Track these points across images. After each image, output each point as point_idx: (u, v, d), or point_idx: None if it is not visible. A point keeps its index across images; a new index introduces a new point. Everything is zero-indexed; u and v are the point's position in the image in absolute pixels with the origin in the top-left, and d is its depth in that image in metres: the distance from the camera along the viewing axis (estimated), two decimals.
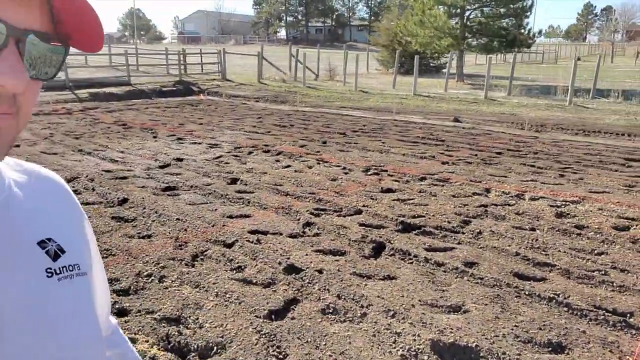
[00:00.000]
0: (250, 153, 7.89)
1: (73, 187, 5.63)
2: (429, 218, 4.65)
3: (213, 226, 4.45)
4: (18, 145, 8.02)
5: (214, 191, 5.61)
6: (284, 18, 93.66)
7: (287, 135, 9.60)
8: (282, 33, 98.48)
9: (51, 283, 0.61)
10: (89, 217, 4.59)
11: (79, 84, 17.35)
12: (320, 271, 3.47)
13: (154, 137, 9.25)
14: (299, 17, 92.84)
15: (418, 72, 18.45)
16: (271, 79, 22.59)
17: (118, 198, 5.18)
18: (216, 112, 13.24)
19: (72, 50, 0.59)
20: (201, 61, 23.22)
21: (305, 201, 5.29)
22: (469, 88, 21.22)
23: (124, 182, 5.91)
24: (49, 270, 0.61)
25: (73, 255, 0.66)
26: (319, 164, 7.27)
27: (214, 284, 3.25)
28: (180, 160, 7.29)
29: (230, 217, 4.75)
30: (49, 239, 0.64)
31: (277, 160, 7.42)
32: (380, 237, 4.13)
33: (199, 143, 8.68)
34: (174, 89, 17.98)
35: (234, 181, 6.14)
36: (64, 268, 0.63)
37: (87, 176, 6.14)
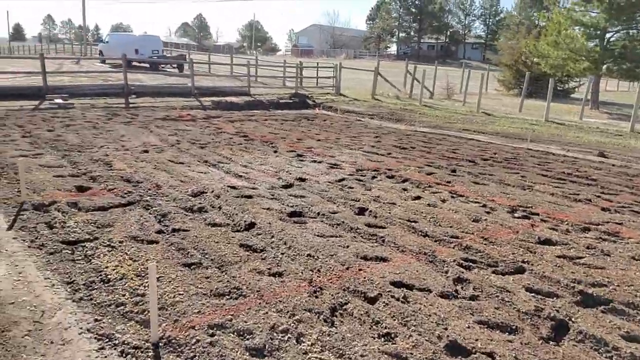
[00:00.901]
0: (373, 177, 7.34)
1: (200, 203, 5.44)
2: (614, 289, 3.72)
3: (347, 269, 3.92)
4: (147, 152, 8.20)
5: (342, 222, 5.11)
6: (396, 34, 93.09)
7: (409, 159, 8.93)
8: (393, 48, 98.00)
9: None
10: (216, 242, 4.32)
11: (203, 92, 18.09)
12: (491, 355, 2.77)
13: (275, 151, 9.06)
14: (412, 33, 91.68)
15: (546, 95, 16.81)
16: (385, 95, 22.04)
17: (245, 221, 4.86)
18: (332, 127, 12.93)
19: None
20: (317, 75, 23.30)
21: (449, 247, 4.59)
22: (607, 117, 19.02)
23: (249, 202, 5.62)
24: None
25: None
26: (453, 197, 6.51)
27: (362, 356, 2.68)
28: (303, 180, 6.92)
29: (365, 258, 4.19)
30: None
31: (405, 189, 6.77)
32: (558, 311, 3.32)
33: (319, 162, 8.30)
34: (290, 101, 18.10)
35: (361, 211, 5.59)
36: None
37: (213, 192, 5.96)
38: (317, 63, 25.66)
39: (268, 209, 5.44)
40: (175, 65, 29.28)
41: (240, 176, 6.95)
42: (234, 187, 6.25)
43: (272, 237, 4.52)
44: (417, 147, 10.31)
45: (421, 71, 21.42)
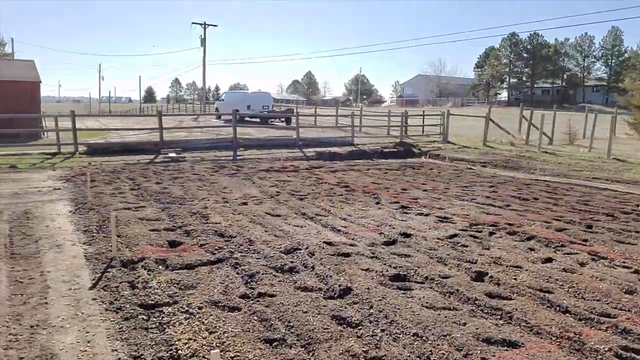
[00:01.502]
0: (491, 234, 6.33)
1: (292, 262, 4.90)
2: None
3: (466, 356, 3.06)
4: (246, 204, 7.97)
5: (456, 290, 4.23)
6: (507, 79, 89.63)
7: (532, 211, 7.74)
8: (503, 95, 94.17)
9: None
10: (305, 311, 3.65)
11: (307, 143, 18.17)
12: None
13: (377, 203, 8.40)
14: (523, 78, 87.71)
15: None
16: (497, 142, 20.56)
17: (340, 286, 4.19)
18: (440, 177, 12.00)
19: None
20: (423, 123, 22.55)
21: (599, 329, 3.52)
22: None
23: (346, 262, 4.96)
24: None
25: None
26: (594, 260, 5.31)
27: None
28: (408, 236, 6.14)
29: (489, 341, 3.29)
30: None
31: (531, 249, 5.69)
32: None
33: (426, 215, 7.46)
34: (395, 150, 17.48)
35: (479, 276, 4.67)
36: None
37: (307, 248, 5.41)
38: (423, 111, 24.95)
39: (367, 270, 4.74)
40: (283, 119, 30.35)
41: (339, 230, 6.36)
42: (330, 243, 5.65)
43: (371, 307, 3.79)
44: (541, 198, 9.03)
45: (538, 116, 19.75)
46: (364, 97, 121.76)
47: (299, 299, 3.92)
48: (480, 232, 6.40)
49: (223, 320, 3.49)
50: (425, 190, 9.78)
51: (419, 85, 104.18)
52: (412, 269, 4.76)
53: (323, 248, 5.43)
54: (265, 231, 6.15)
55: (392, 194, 9.21)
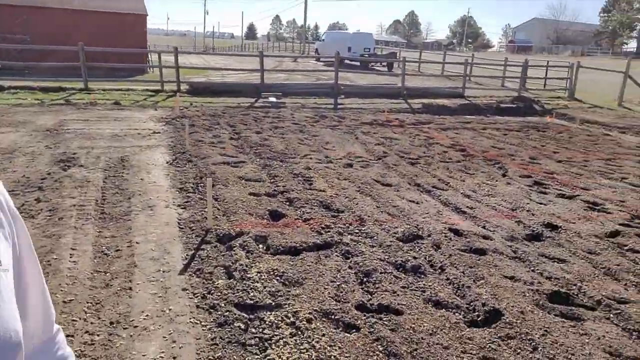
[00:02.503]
0: None
1: (414, 257, 3.99)
2: None
3: None
4: (351, 165, 7.11)
5: None
6: (638, 28, 78.54)
7: None
8: (632, 45, 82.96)
9: None
10: (445, 346, 2.61)
11: (411, 93, 16.76)
12: None
13: (504, 175, 7.15)
14: None
15: None
16: (635, 102, 17.66)
17: (483, 305, 3.23)
18: (572, 143, 10.26)
19: None
20: (546, 75, 19.96)
21: None
22: None
23: (483, 262, 3.96)
24: None
25: None
26: None
27: None
28: (554, 228, 4.95)
29: None
30: None
31: None
32: None
33: (570, 197, 6.14)
34: (513, 106, 15.54)
35: None
36: None
37: (429, 236, 4.46)
38: (547, 62, 22.09)
39: (513, 279, 3.71)
40: (385, 64, 28.66)
41: (464, 212, 5.31)
42: (457, 232, 4.64)
43: (535, 349, 2.80)
44: None
45: None
46: (470, 40, 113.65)
47: (432, 321, 3.03)
48: None
49: (338, 346, 2.71)
50: (560, 162, 8.28)
51: (534, 30, 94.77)
52: (574, 284, 3.66)
53: (450, 239, 4.44)
54: (377, 207, 5.26)
55: (520, 164, 7.85)
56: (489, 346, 2.80)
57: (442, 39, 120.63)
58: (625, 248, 4.52)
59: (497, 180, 6.79)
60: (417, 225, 4.76)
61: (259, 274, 3.51)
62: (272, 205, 5.05)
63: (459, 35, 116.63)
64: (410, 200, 5.60)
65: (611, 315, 3.27)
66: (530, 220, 5.14)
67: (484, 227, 4.86)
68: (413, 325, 2.94)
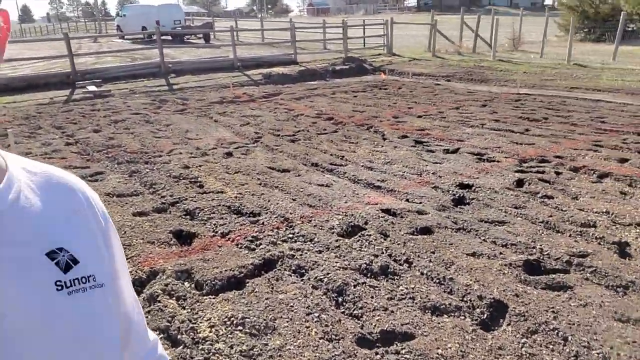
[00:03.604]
0: (558, 174, 5.25)
1: (374, 254, 3.48)
2: None
3: None
4: (230, 154, 6.25)
5: (624, 280, 3.11)
6: None
7: (564, 137, 6.75)
8: (412, 1, 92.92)
9: (60, 296, 0.58)
10: None
11: (245, 64, 15.97)
12: None
13: (384, 139, 7.03)
14: None
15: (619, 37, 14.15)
16: (443, 51, 19.51)
17: (480, 299, 2.88)
18: (416, 96, 10.73)
19: None
20: (364, 34, 20.81)
21: None
22: None
23: (440, 244, 3.63)
24: (58, 283, 0.58)
25: (88, 266, 0.62)
26: None
27: None
28: (468, 187, 4.91)
29: None
30: (60, 249, 0.60)
31: (624, 194, 4.70)
32: None
33: (455, 151, 6.26)
34: (346, 67, 15.84)
35: (622, 249, 3.57)
36: (76, 280, 0.60)
37: (367, 222, 3.99)
38: (364, 20, 23.05)
39: (475, 255, 3.46)
40: (200, 36, 26.99)
41: (379, 187, 4.97)
42: (389, 212, 4.26)
43: (565, 339, 2.53)
44: (550, 118, 8.10)
45: (472, 22, 18.82)
46: (269, 6, 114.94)
47: (452, 337, 2.56)
48: (543, 172, 5.30)
49: None
50: (420, 117, 8.50)
51: None
52: (533, 248, 3.55)
53: (390, 222, 4.03)
54: (293, 199, 4.60)
55: (390, 125, 7.83)
56: (524, 351, 2.44)
57: (242, 7, 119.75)
58: (539, 195, 4.65)
59: (382, 146, 6.61)
60: (346, 213, 4.24)
61: (212, 329, 2.64)
62: (172, 224, 4.03)
63: (259, 1, 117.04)
64: (319, 185, 5.04)
65: (587, 274, 3.21)
66: (442, 183, 5.01)
67: (409, 201, 4.57)
68: (438, 351, 2.44)
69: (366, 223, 4.01)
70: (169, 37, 25.80)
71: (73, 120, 8.46)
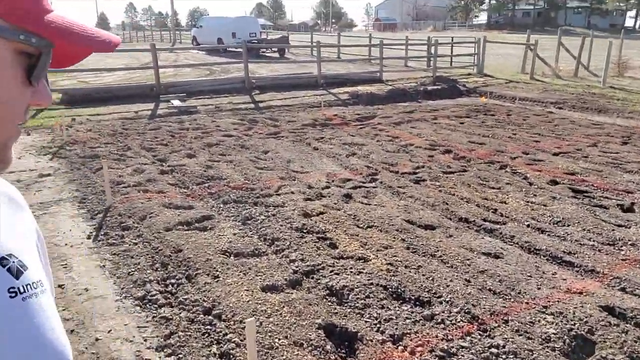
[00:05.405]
0: None
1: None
2: None
3: None
4: (349, 196, 5.19)
5: None
6: (487, 1, 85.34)
7: None
8: (482, 17, 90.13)
9: (15, 303, 0.56)
10: None
11: (330, 81, 15.08)
12: None
13: (530, 184, 5.77)
14: None
15: None
16: (540, 74, 17.83)
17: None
18: (533, 126, 9.34)
19: None
20: (451, 52, 19.47)
21: None
22: None
23: None
24: (11, 289, 0.57)
25: (35, 272, 0.62)
26: None
27: None
28: None
29: None
30: (10, 255, 0.59)
31: None
32: None
33: (631, 208, 4.90)
34: (437, 87, 14.58)
35: None
36: (29, 286, 0.59)
37: (594, 333, 2.77)
38: (452, 38, 21.70)
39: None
40: (275, 49, 26.51)
41: (571, 264, 3.73)
42: (615, 313, 3.03)
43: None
44: None
45: (557, 43, 17.05)
46: (334, 20, 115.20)
47: None
48: None
49: None
50: (556, 155, 7.14)
51: (394, 7, 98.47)
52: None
53: (622, 330, 2.80)
54: (466, 280, 3.43)
55: (526, 164, 6.54)
56: None
57: (307, 21, 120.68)
58: None
59: (535, 195, 5.35)
60: (551, 309, 3.05)
61: None
62: (318, 311, 2.97)
63: (324, 15, 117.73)
64: (485, 254, 3.86)
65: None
66: None
67: (626, 291, 3.31)
68: None
69: (592, 332, 2.80)
70: (240, 51, 25.48)
71: (163, 140, 7.70)
